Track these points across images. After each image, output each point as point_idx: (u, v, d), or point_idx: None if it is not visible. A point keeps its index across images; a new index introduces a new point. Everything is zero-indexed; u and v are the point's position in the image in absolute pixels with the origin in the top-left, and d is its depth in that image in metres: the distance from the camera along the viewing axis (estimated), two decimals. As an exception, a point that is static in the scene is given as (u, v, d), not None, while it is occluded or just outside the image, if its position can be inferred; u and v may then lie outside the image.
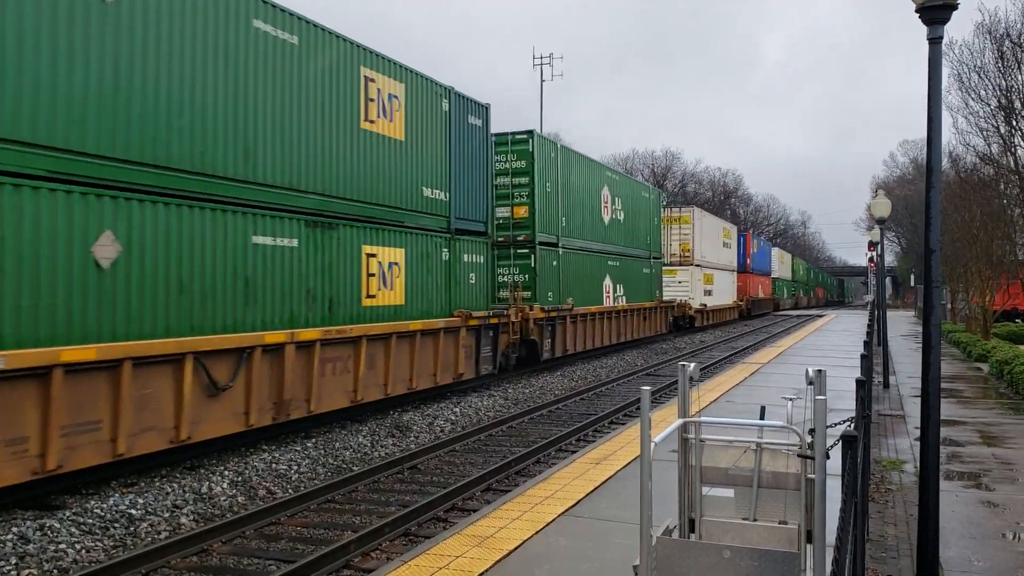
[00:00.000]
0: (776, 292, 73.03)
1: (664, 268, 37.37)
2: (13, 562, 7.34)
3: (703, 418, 4.34)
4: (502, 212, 21.87)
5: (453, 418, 15.28)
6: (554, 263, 23.02)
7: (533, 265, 21.84)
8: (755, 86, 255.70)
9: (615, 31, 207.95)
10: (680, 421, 4.23)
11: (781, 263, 77.55)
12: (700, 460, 4.32)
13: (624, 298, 29.37)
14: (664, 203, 38.52)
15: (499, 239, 21.42)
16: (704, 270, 42.35)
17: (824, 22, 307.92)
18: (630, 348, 30.68)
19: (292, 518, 9.11)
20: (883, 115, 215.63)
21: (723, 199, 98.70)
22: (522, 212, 21.98)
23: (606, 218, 27.85)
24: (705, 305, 41.82)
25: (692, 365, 4.41)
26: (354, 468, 11.48)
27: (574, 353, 24.77)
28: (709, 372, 21.49)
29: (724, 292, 47.71)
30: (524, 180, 21.91)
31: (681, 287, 39.61)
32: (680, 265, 40.38)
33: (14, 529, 7.93)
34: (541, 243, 22.18)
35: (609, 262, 27.99)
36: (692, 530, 4.36)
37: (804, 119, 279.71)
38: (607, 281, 27.69)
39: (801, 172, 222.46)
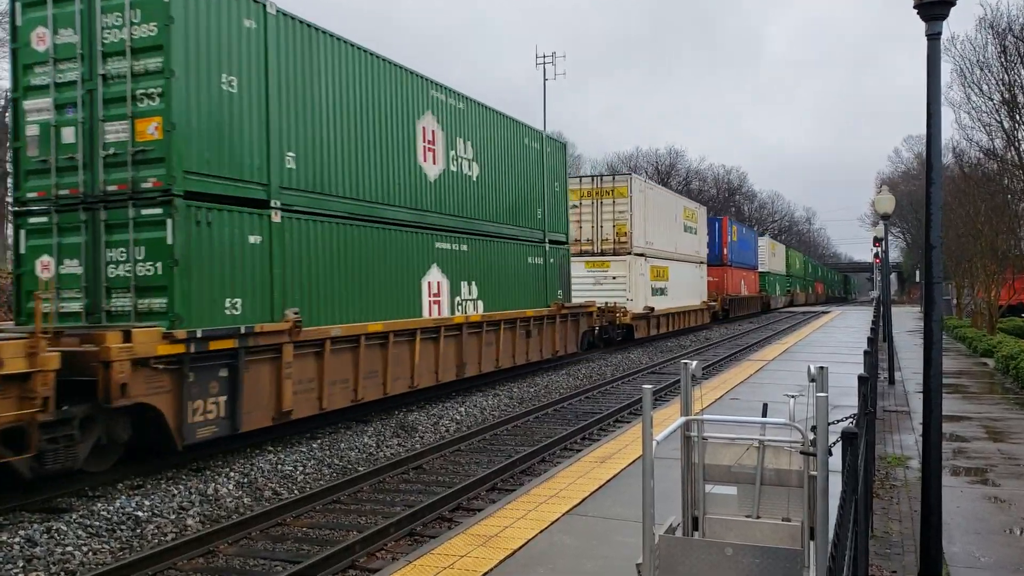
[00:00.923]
0: (766, 288, 63.34)
1: (592, 260, 29.61)
2: (20, 565, 7.38)
3: (705, 416, 4.35)
4: (114, 133, 10.83)
5: (458, 418, 15.30)
6: (253, 240, 11.77)
7: (171, 241, 10.55)
8: (757, 82, 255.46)
9: (614, 24, 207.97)
10: (682, 419, 4.24)
11: (772, 255, 66.95)
12: (703, 458, 4.33)
13: (480, 304, 18.81)
14: (599, 171, 30.53)
15: (109, 188, 10.81)
16: (651, 261, 31.87)
17: (825, 17, 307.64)
18: (479, 387, 18.98)
19: (298, 519, 9.14)
20: (887, 111, 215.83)
21: (727, 195, 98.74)
22: (150, 130, 10.65)
23: (432, 170, 16.88)
24: (652, 308, 31.35)
25: (694, 363, 4.42)
26: (359, 468, 11.51)
27: (318, 415, 13.24)
28: (714, 369, 21.48)
29: (686, 290, 37.56)
30: (155, 63, 10.61)
31: (616, 284, 29.44)
32: (614, 255, 29.74)
33: (21, 532, 7.97)
34: (198, 195, 10.95)
35: (438, 244, 17.15)
36: (695, 528, 4.37)
37: (807, 115, 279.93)
38: (433, 276, 16.86)
39: (805, 168, 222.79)
